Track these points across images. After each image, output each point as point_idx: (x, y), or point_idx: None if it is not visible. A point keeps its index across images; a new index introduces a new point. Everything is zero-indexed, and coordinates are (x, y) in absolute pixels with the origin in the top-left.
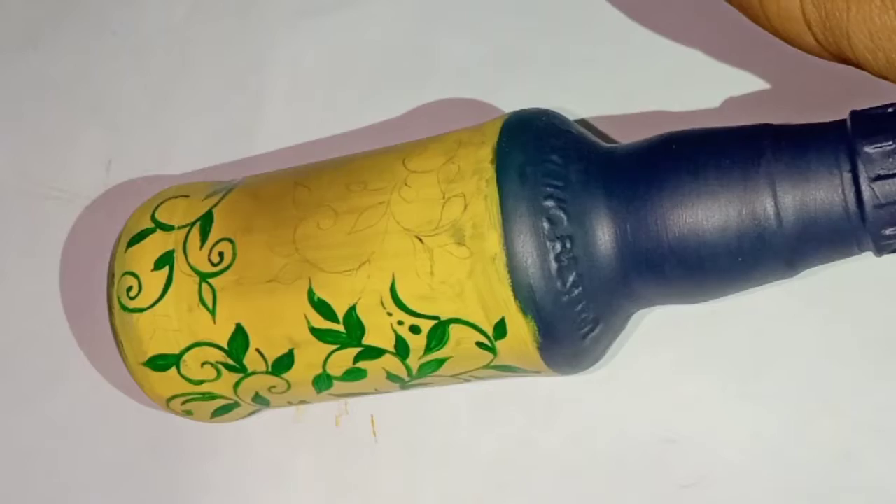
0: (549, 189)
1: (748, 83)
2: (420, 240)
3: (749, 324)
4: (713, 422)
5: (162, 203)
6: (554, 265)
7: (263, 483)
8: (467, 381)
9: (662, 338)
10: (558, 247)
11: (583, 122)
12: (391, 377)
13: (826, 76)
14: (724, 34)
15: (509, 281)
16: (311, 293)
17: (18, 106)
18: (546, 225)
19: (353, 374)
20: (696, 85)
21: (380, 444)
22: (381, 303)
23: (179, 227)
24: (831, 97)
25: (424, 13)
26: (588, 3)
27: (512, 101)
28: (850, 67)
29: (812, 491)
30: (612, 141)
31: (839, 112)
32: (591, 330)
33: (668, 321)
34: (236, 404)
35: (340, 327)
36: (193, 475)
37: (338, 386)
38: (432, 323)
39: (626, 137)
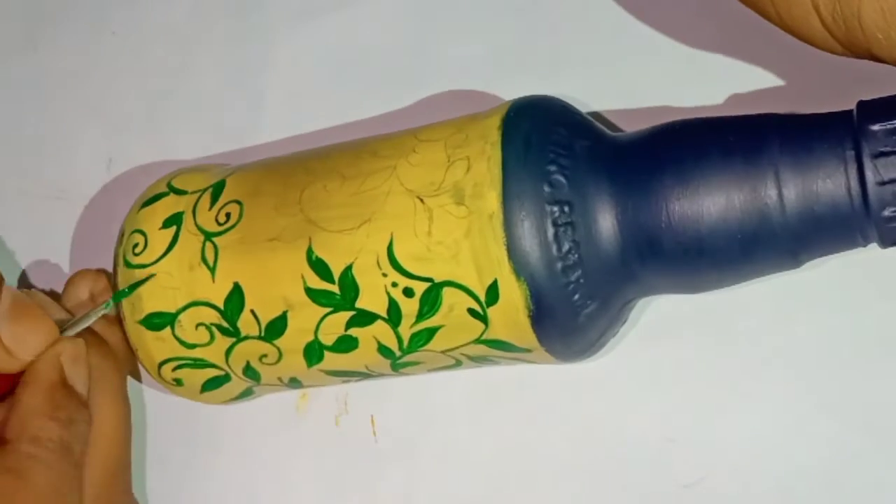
0: (552, 155)
1: (750, 80)
2: (421, 200)
3: (749, 323)
4: (714, 421)
5: (180, 174)
6: (551, 229)
7: (264, 482)
8: (459, 361)
9: (662, 337)
10: (556, 211)
11: (590, 114)
12: (382, 350)
13: (830, 73)
14: (725, 30)
15: (504, 240)
16: (309, 252)
17: (19, 106)
18: (546, 188)
19: (345, 344)
20: (698, 80)
21: (379, 443)
22: (378, 263)
23: (192, 192)
24: (835, 94)
25: (424, 13)
26: (588, 2)
27: (514, 97)
28: (854, 62)
29: (812, 490)
30: (618, 131)
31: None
32: (586, 305)
33: (668, 320)
34: (227, 377)
35: (335, 288)
36: (194, 474)
37: (329, 359)
38: (426, 286)
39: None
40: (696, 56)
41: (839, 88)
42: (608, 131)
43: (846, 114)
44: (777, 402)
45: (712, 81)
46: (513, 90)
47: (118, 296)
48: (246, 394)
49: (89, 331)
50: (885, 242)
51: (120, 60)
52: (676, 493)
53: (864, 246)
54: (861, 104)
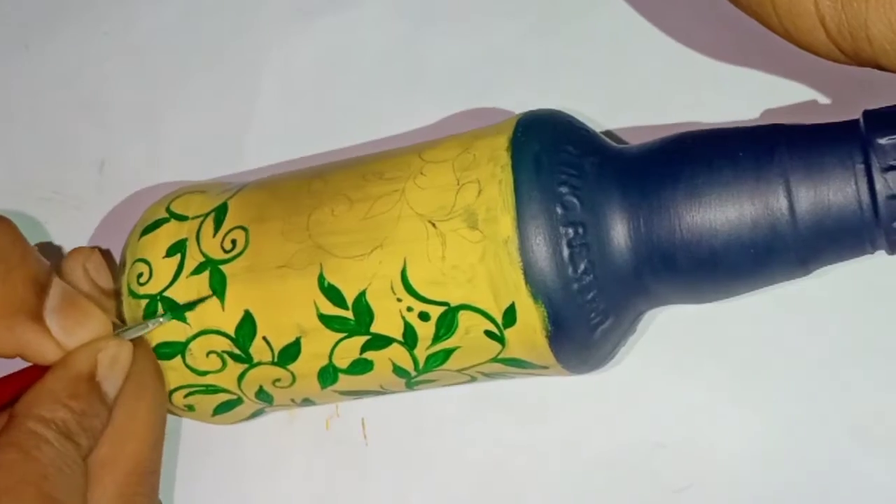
0: (563, 176)
1: (754, 87)
2: (433, 224)
3: (741, 329)
4: (705, 426)
5: (178, 197)
6: (566, 250)
7: (254, 485)
8: (473, 378)
9: (654, 342)
10: (571, 232)
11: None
12: (397, 370)
13: (834, 79)
14: (728, 39)
15: (521, 264)
16: (321, 278)
17: (11, 107)
18: (559, 210)
19: (360, 367)
20: (701, 89)
21: (370, 447)
22: (392, 288)
23: (194, 217)
24: (839, 100)
25: (420, 15)
26: (586, 6)
27: (510, 101)
28: (860, 72)
29: (803, 495)
30: (621, 142)
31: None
32: (602, 322)
33: (660, 326)
34: (239, 400)
35: (349, 314)
36: (185, 478)
37: (343, 381)
38: (442, 309)
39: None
40: (698, 64)
41: (844, 94)
42: (614, 145)
43: (853, 125)
44: (768, 408)
45: (715, 89)
46: (514, 95)
47: (180, 312)
48: (257, 414)
49: (140, 337)
50: (894, 249)
51: (112, 61)
52: (667, 499)
53: (872, 253)
54: (867, 116)
